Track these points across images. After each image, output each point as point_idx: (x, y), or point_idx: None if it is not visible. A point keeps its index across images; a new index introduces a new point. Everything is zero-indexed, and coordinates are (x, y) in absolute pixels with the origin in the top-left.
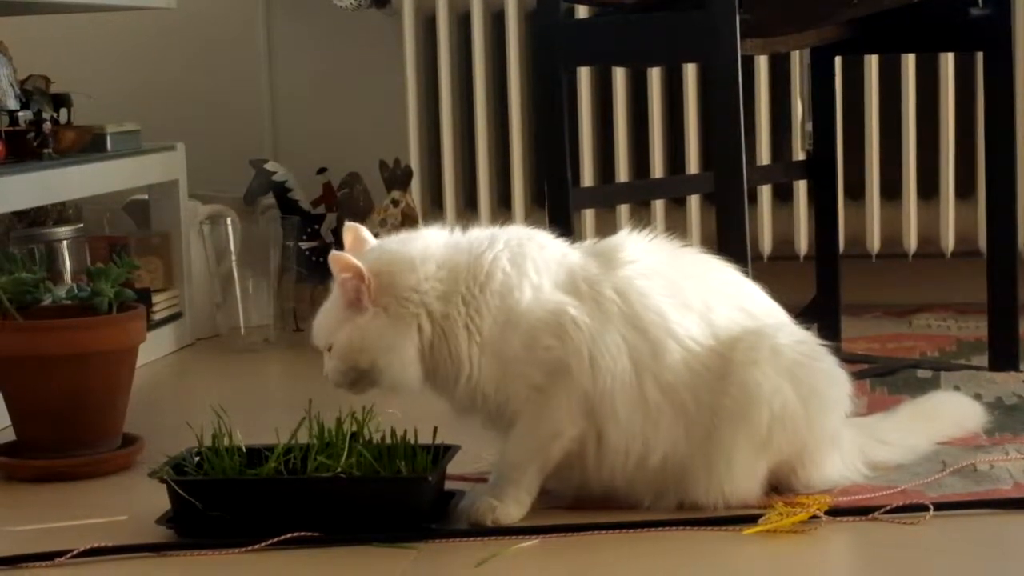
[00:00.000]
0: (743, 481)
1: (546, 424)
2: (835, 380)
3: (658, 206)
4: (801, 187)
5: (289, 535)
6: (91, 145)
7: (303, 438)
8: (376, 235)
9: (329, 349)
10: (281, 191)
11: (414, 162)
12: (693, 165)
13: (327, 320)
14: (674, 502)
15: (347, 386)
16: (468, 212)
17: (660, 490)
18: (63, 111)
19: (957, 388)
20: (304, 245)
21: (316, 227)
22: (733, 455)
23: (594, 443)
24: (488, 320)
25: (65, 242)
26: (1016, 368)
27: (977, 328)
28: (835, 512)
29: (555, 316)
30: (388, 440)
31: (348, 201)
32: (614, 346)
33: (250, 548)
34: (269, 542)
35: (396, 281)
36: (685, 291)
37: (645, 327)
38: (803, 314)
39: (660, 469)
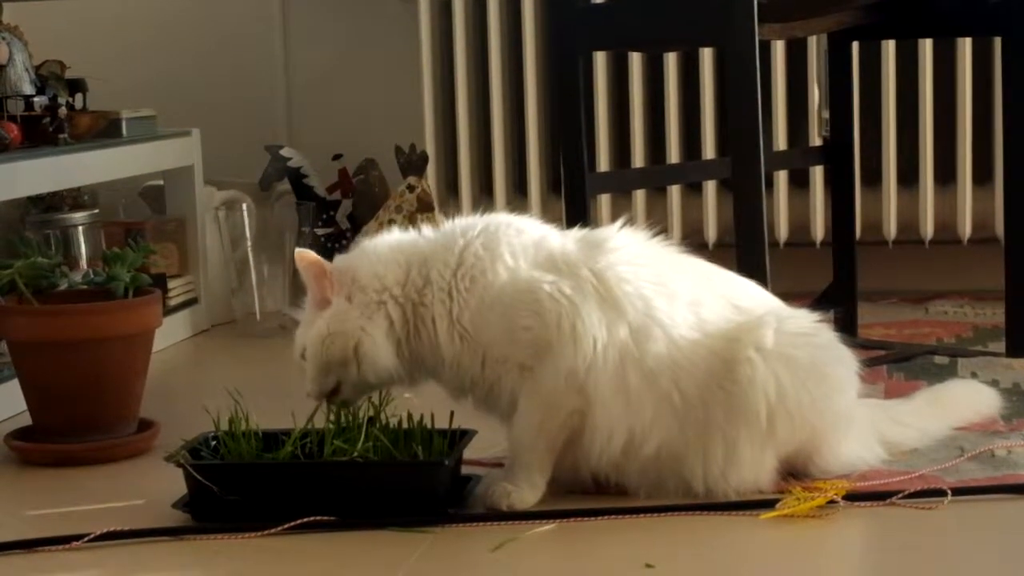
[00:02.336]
0: (750, 474)
1: (543, 400)
2: (837, 357)
3: (674, 192)
4: (818, 173)
5: (306, 519)
6: (106, 130)
7: (319, 423)
8: (391, 221)
9: (303, 356)
10: (296, 177)
11: (430, 148)
12: (709, 150)
13: (302, 329)
14: (675, 492)
15: (327, 393)
16: (484, 198)
17: (656, 480)
18: (78, 96)
19: (974, 374)
20: (320, 231)
21: (332, 213)
22: (736, 449)
23: (583, 424)
24: (460, 304)
25: (80, 227)
26: None
27: (994, 314)
28: (852, 497)
29: (530, 293)
30: (405, 425)
31: (364, 187)
32: (595, 319)
33: (267, 532)
34: (286, 526)
35: (357, 274)
36: (673, 283)
37: (624, 310)
38: (820, 300)
39: (654, 459)
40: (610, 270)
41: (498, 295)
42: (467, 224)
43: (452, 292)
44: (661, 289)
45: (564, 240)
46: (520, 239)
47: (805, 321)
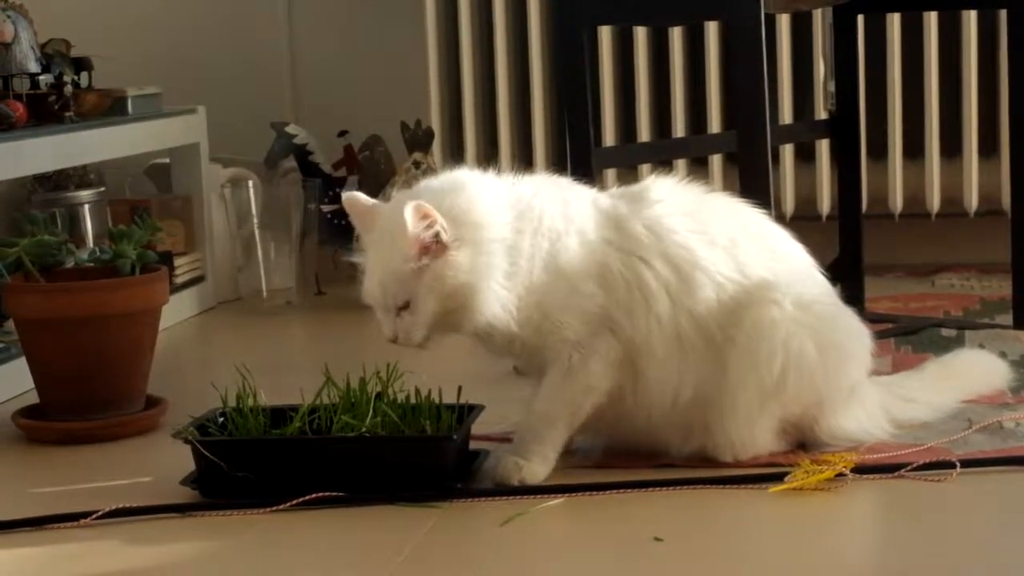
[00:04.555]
0: (755, 426)
1: (581, 378)
2: (855, 334)
3: (680, 166)
4: (824, 146)
5: (314, 495)
6: (112, 108)
7: (325, 401)
8: None
9: (404, 306)
10: (302, 154)
11: (435, 123)
12: (715, 124)
13: (393, 277)
14: (697, 445)
15: (423, 341)
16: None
17: (686, 430)
18: (84, 74)
19: (982, 346)
20: (325, 208)
21: (337, 190)
22: (738, 395)
23: (632, 384)
24: (538, 262)
25: (87, 205)
26: None
27: (1001, 287)
28: (861, 470)
29: (600, 266)
30: (413, 400)
31: (369, 163)
32: (653, 285)
33: (275, 508)
34: (294, 502)
35: (472, 218)
36: (712, 229)
37: (677, 262)
38: (826, 274)
39: (690, 405)
40: (659, 224)
41: (569, 261)
42: (535, 182)
43: (534, 253)
44: (702, 237)
45: (610, 199)
46: (580, 202)
47: (828, 297)
